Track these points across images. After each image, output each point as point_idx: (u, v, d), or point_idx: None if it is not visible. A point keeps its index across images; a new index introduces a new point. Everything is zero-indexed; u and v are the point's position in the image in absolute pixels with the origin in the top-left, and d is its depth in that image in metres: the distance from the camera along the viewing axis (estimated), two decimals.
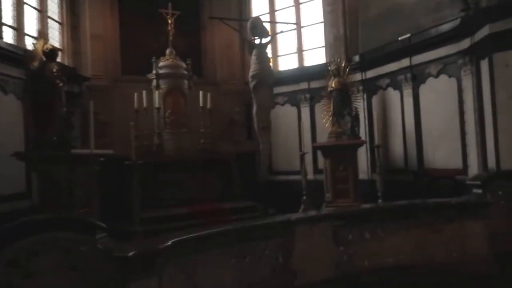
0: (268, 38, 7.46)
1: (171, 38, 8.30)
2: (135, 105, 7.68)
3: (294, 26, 9.09)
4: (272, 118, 9.00)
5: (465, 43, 5.78)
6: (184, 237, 3.05)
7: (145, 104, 7.75)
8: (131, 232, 5.36)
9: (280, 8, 9.48)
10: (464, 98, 5.96)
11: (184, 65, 8.26)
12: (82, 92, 7.51)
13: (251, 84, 7.19)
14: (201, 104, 8.05)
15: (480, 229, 4.33)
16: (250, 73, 7.21)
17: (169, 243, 2.83)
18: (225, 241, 3.39)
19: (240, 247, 3.46)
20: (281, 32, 8.82)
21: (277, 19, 9.44)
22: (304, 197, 7.04)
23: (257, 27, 7.20)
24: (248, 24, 7.34)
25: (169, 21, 8.31)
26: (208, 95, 8.15)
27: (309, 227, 3.86)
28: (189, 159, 7.69)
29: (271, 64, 7.56)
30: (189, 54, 8.59)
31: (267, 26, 7.71)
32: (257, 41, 7.37)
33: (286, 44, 9.51)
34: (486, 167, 5.46)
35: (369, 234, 4.12)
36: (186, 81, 8.28)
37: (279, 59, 9.57)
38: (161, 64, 8.08)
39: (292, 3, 9.27)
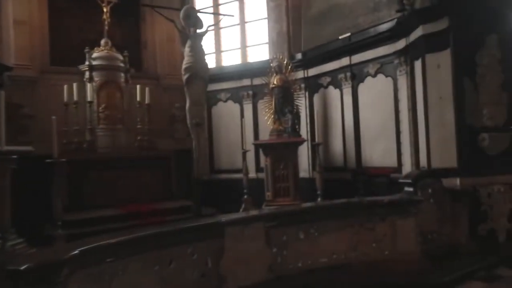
0: (203, 29, 7.16)
1: (106, 27, 7.81)
2: (65, 98, 7.15)
3: (237, 21, 8.88)
4: (214, 115, 8.80)
5: (400, 44, 5.89)
6: (96, 244, 2.73)
7: (76, 98, 7.23)
8: (52, 236, 4.89)
9: (224, 2, 9.24)
10: (400, 97, 6.09)
11: (120, 57, 7.80)
12: (3, 83, 6.80)
13: (184, 78, 6.85)
14: (138, 99, 7.65)
15: (411, 227, 4.39)
16: (183, 66, 6.87)
17: (76, 252, 2.52)
18: (147, 246, 3.11)
19: (164, 253, 3.20)
20: (219, 22, 8.54)
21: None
22: (246, 196, 6.90)
23: (191, 17, 6.86)
24: (181, 13, 6.98)
25: (105, 9, 7.82)
26: (147, 89, 7.78)
27: (241, 228, 3.68)
28: (124, 157, 7.28)
29: (205, 57, 7.23)
30: (127, 45, 8.14)
31: (202, 16, 7.38)
32: (192, 32, 7.05)
33: (229, 40, 9.28)
34: (418, 165, 5.60)
35: (303, 234, 4.03)
36: (122, 74, 7.83)
37: (222, 54, 9.33)
38: (95, 55, 7.58)
39: None
